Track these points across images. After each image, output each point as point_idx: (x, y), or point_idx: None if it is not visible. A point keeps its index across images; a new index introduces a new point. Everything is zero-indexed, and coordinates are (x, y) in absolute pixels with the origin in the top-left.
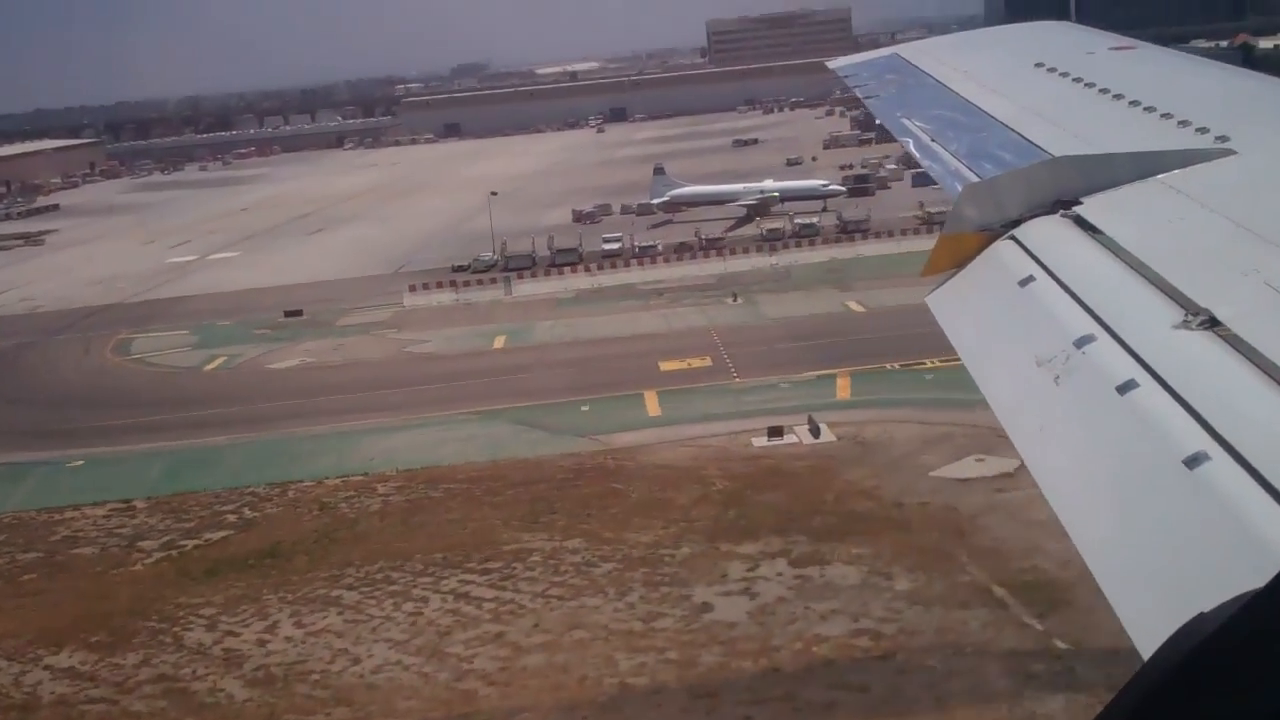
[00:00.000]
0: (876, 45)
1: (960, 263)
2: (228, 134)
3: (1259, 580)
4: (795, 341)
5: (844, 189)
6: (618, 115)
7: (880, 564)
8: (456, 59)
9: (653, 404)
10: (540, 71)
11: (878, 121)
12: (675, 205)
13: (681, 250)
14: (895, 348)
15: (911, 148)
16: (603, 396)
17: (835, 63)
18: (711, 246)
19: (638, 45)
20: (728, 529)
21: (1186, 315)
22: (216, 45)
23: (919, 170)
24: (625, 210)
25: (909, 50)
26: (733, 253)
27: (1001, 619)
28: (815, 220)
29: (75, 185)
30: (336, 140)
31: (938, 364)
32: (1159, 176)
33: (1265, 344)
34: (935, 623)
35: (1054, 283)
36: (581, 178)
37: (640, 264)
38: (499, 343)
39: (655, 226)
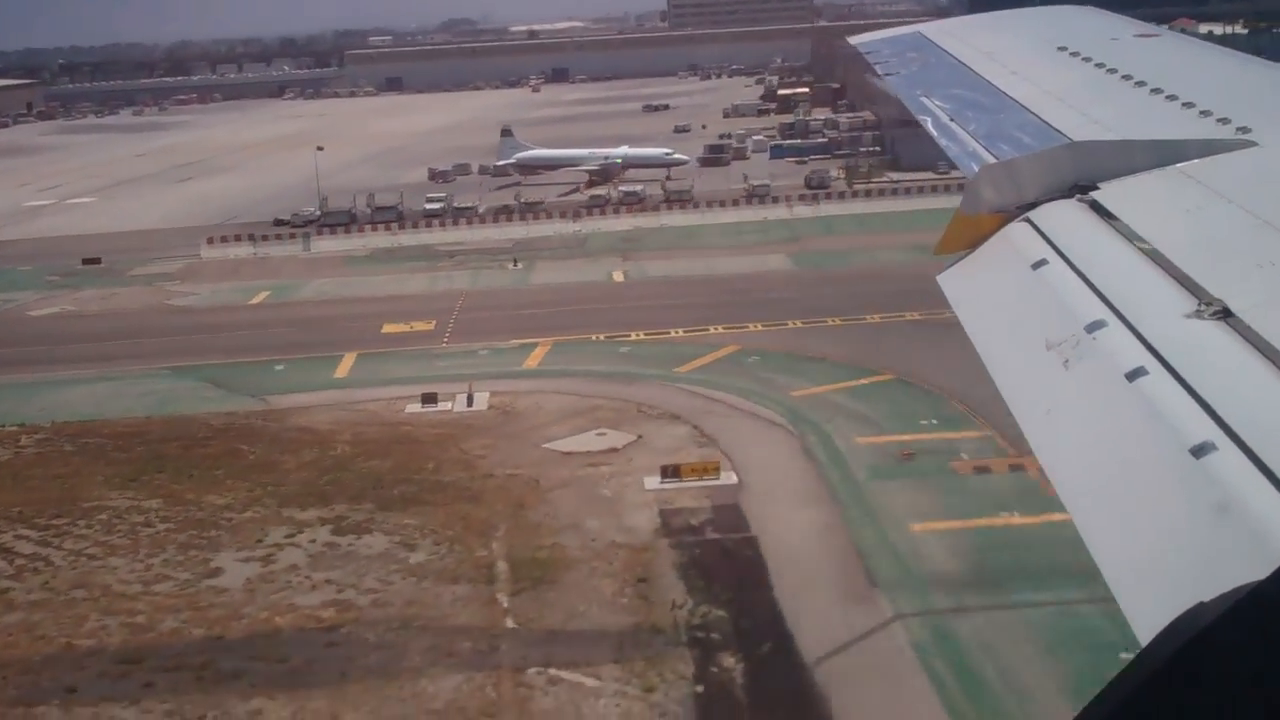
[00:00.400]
0: (841, 19)
1: (973, 243)
2: (172, 80)
3: (1261, 573)
4: (532, 309)
5: (687, 159)
6: (560, 76)
7: (416, 535)
8: (450, 14)
9: (346, 366)
10: (514, 29)
11: (780, 93)
12: (522, 167)
13: (499, 213)
14: (619, 319)
15: (929, 126)
16: (306, 357)
17: (858, 39)
18: (529, 210)
19: (631, 7)
20: (308, 494)
21: (1199, 305)
22: None
23: (779, 144)
24: (483, 171)
25: (932, 29)
26: (549, 216)
27: (477, 595)
28: (640, 189)
29: (5, 125)
30: (279, 90)
31: (641, 337)
32: (1177, 165)
33: (1277, 337)
34: (413, 596)
35: (1067, 266)
36: (480, 136)
37: (455, 224)
38: (258, 299)
39: (501, 188)
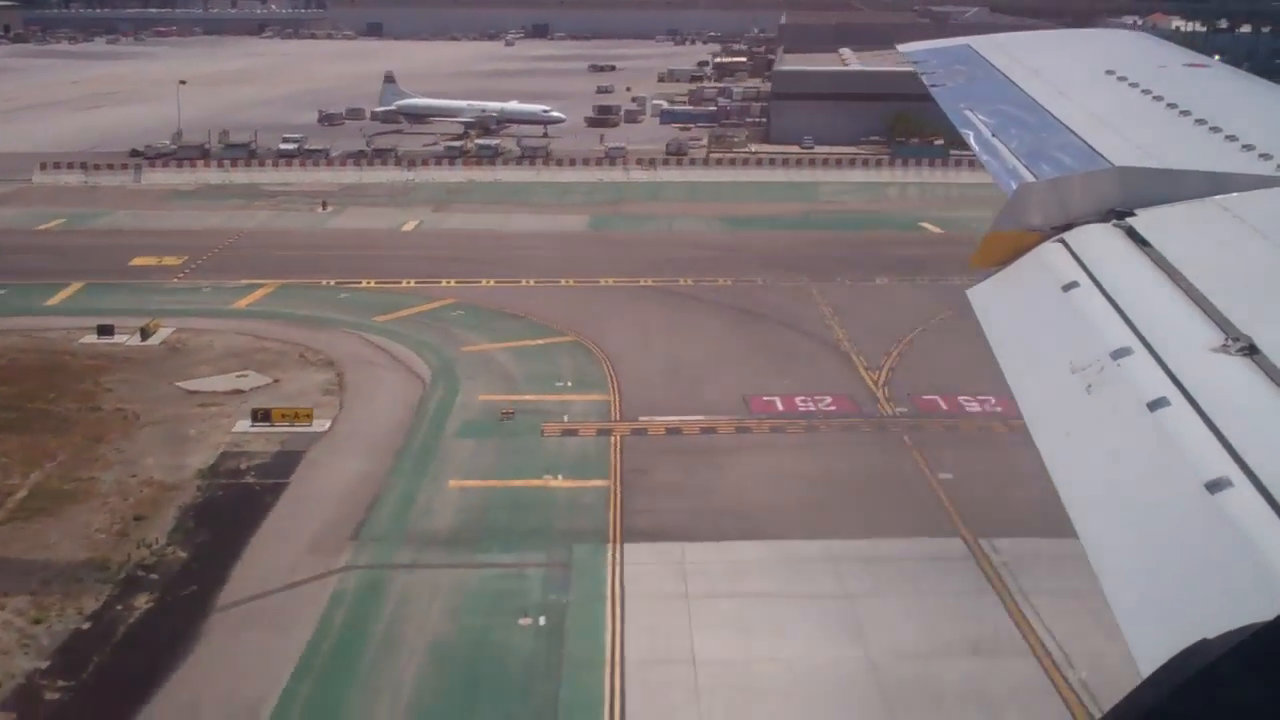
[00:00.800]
0: None
1: (1006, 260)
2: (157, 11)
3: (1267, 613)
4: (294, 250)
5: (564, 117)
6: (540, 32)
7: None
8: None
9: (64, 294)
10: None
11: (718, 61)
12: (402, 114)
13: (350, 158)
14: (369, 268)
15: (972, 141)
16: (35, 283)
17: (906, 48)
18: (378, 156)
19: None
20: None
21: (1226, 339)
22: None
23: (670, 110)
24: (374, 117)
25: (981, 42)
26: (398, 164)
27: None
28: (495, 143)
29: None
30: (259, 28)
31: (371, 284)
32: (1215, 197)
33: None
34: None
35: (1098, 291)
36: (414, 84)
37: (303, 165)
38: (49, 225)
39: (379, 134)
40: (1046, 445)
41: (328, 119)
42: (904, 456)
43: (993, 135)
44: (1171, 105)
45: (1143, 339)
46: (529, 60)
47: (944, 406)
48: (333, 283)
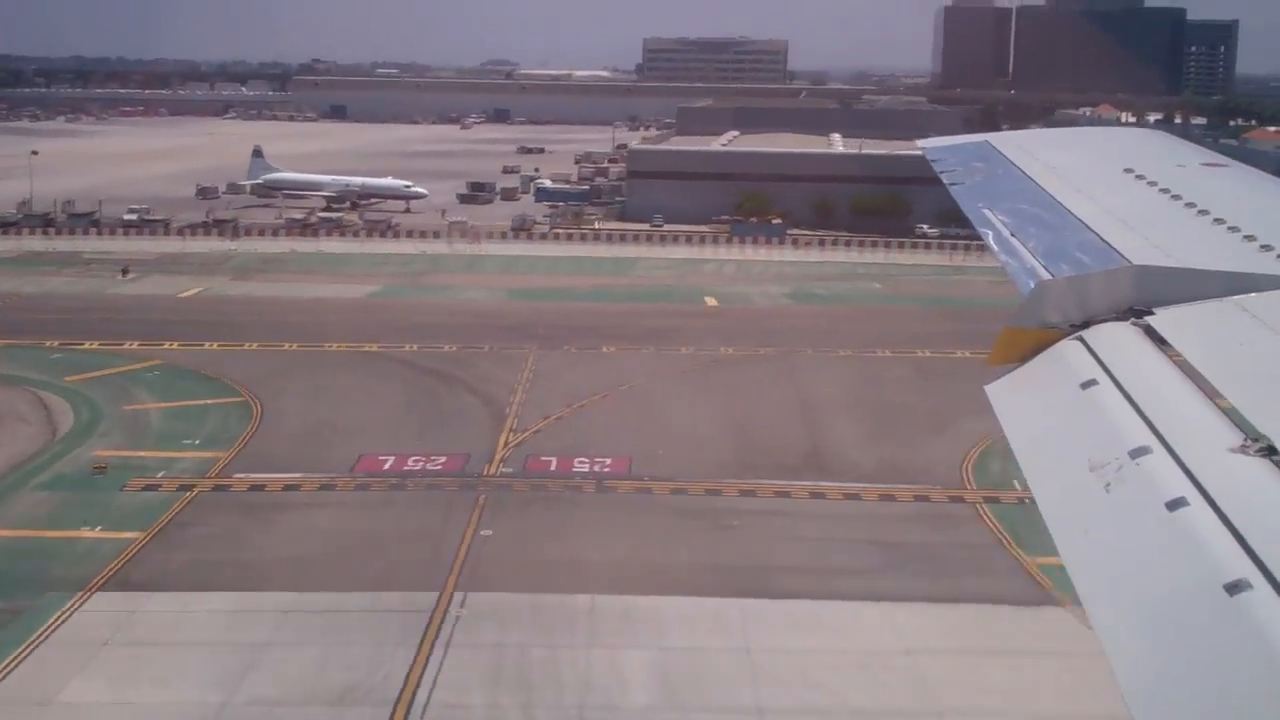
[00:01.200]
0: (820, 83)
1: (1023, 357)
2: (125, 91)
3: None
4: (51, 314)
5: (425, 192)
6: (501, 116)
7: None
8: (492, 55)
9: None
10: (533, 71)
11: (633, 145)
12: (269, 187)
13: (188, 228)
14: (131, 331)
15: (990, 240)
16: None
17: (924, 143)
18: (216, 226)
19: None
20: None
21: (1245, 440)
22: (269, 15)
23: (545, 188)
24: (238, 189)
25: (1000, 139)
26: (236, 235)
27: None
28: (339, 215)
29: None
30: (224, 109)
31: (95, 346)
32: (1234, 297)
33: None
34: None
35: (1116, 389)
36: (336, 162)
37: (139, 234)
38: None
39: (245, 207)
40: (1065, 543)
41: (203, 192)
42: (461, 514)
43: (1011, 235)
44: (1190, 204)
45: (1161, 438)
46: (470, 143)
47: (554, 468)
48: (57, 344)
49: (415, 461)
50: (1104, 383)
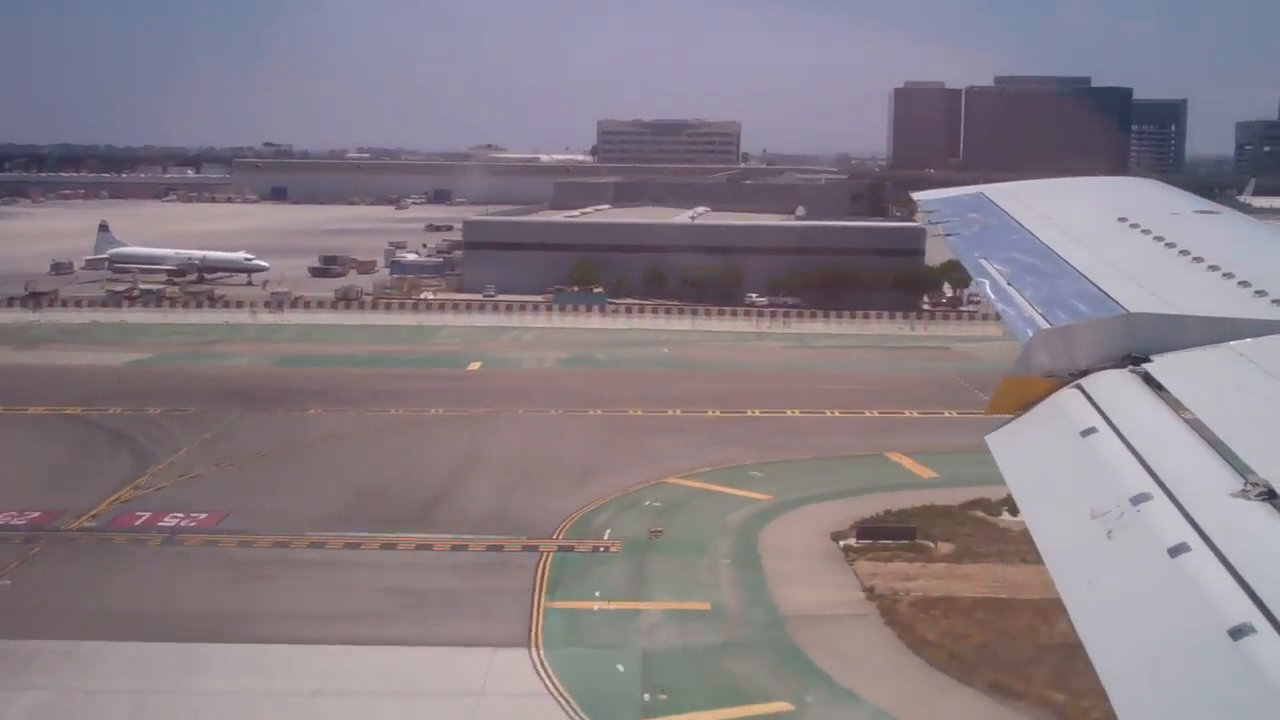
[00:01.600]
0: (771, 165)
1: (1023, 406)
2: (67, 175)
3: None
4: None
5: (267, 265)
6: (441, 197)
7: None
8: (479, 140)
9: None
10: (505, 155)
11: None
12: (115, 262)
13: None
14: None
15: (987, 290)
16: None
17: (921, 195)
18: (33, 298)
19: None
20: None
21: (1246, 484)
22: (264, 103)
23: (398, 261)
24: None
25: (995, 190)
26: (49, 306)
27: None
28: (159, 288)
29: None
30: (165, 191)
31: None
32: (1230, 343)
33: None
34: None
35: (1116, 437)
36: (249, 240)
37: None
38: None
39: (91, 281)
40: (1068, 590)
41: (56, 268)
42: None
43: (1008, 284)
44: (1184, 251)
45: (1162, 485)
46: (394, 221)
47: (140, 523)
48: None
49: (2, 516)
50: (1103, 430)
